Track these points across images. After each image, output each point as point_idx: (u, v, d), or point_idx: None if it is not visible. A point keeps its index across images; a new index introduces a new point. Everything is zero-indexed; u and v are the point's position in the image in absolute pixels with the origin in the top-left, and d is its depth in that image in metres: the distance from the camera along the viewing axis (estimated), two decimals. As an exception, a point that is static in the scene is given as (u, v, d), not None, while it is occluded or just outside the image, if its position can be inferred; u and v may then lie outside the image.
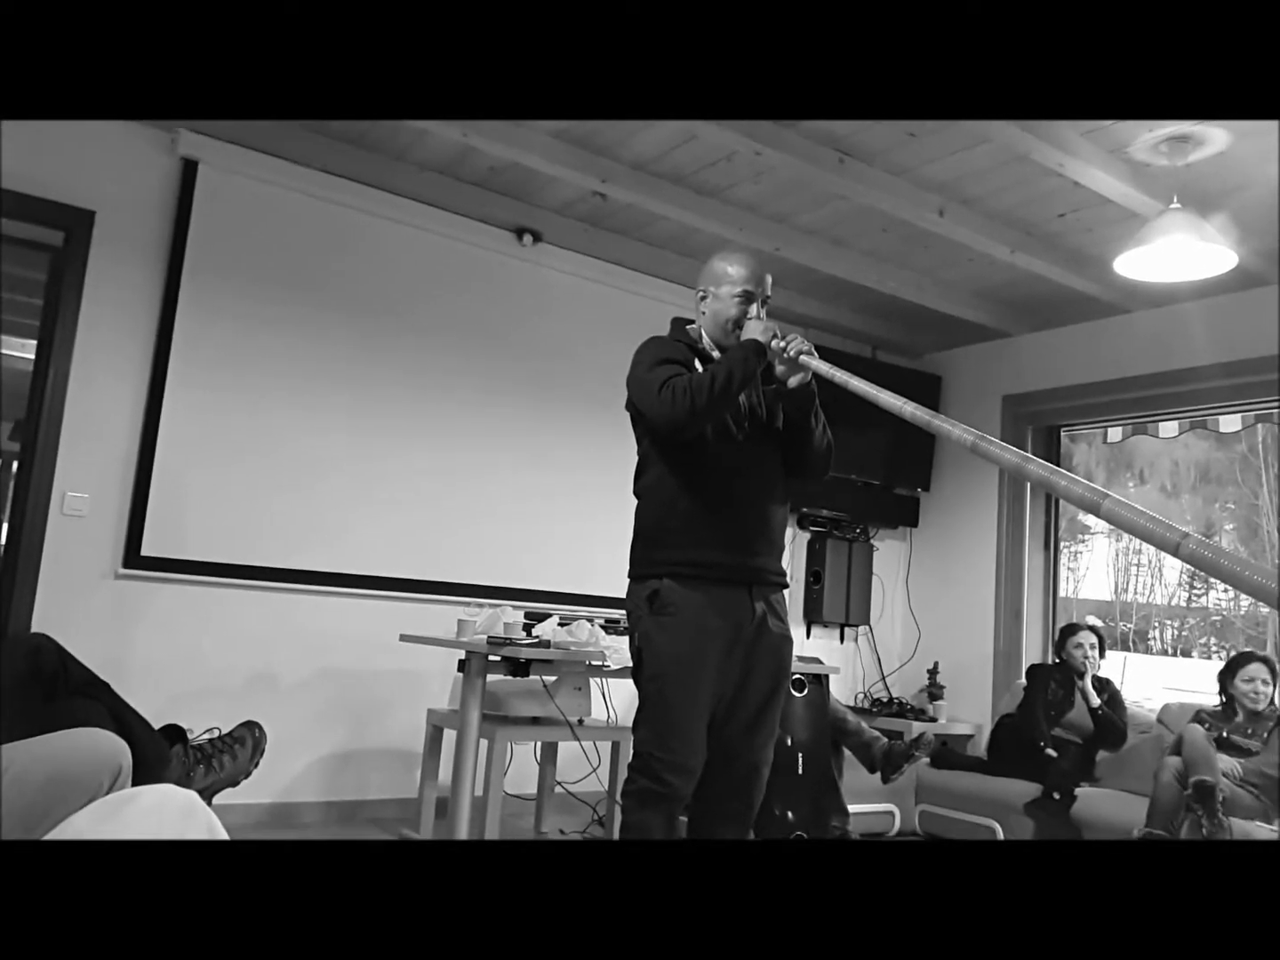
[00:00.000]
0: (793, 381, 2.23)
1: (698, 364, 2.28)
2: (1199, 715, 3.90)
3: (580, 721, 3.58)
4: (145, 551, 3.49)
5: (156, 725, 2.32)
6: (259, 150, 3.69)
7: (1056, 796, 3.83)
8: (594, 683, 3.75)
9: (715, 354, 2.32)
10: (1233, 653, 4.02)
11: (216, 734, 2.51)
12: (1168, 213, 3.28)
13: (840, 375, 2.02)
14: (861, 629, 5.26)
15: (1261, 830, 3.38)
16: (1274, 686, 3.77)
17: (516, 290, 4.30)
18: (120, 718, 2.16)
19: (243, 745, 2.51)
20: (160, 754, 2.23)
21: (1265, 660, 3.80)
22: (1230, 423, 4.64)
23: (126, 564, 3.46)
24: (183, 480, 3.56)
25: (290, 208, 3.80)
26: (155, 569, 3.50)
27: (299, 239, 3.83)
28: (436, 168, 3.88)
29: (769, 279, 2.37)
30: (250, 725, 2.57)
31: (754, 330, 2.22)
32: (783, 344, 2.18)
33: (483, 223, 4.16)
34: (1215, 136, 3.15)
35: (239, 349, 3.69)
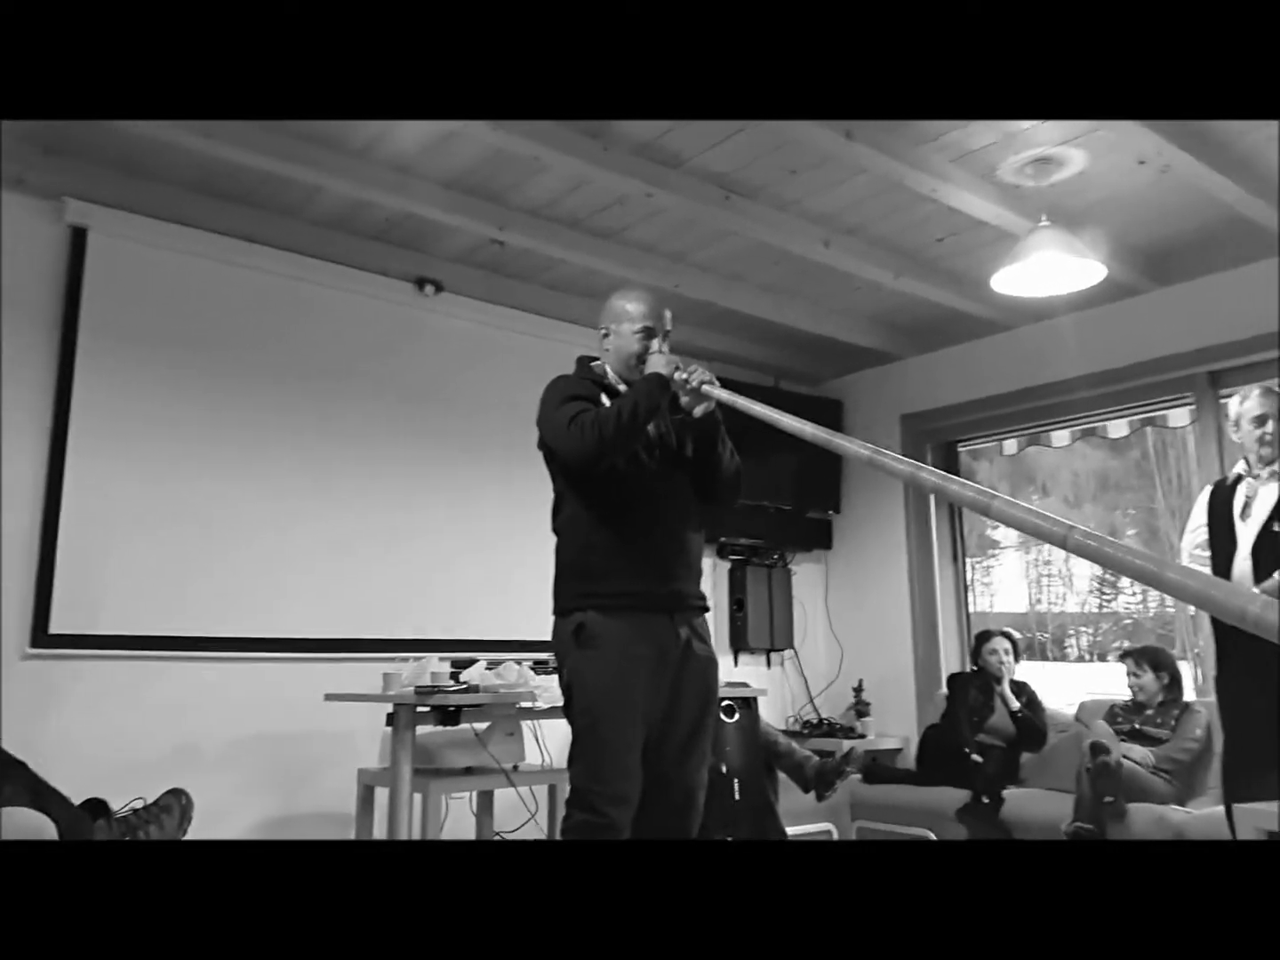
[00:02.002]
0: (698, 411, 2.31)
1: (605, 399, 2.34)
2: (1111, 710, 4.07)
3: (515, 768, 3.57)
4: (54, 629, 3.39)
5: (78, 802, 2.27)
6: (148, 215, 3.66)
7: (985, 800, 3.93)
8: (526, 727, 3.74)
9: (621, 388, 2.39)
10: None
11: (141, 804, 2.46)
12: (1038, 230, 3.48)
13: (742, 402, 2.11)
14: (786, 653, 5.34)
15: (1176, 813, 3.53)
16: (1153, 678, 3.96)
17: (421, 341, 4.32)
18: (38, 796, 2.11)
19: (169, 813, 2.46)
20: (81, 829, 2.18)
21: (1133, 654, 4.03)
22: (1118, 428, 4.87)
23: (34, 643, 3.35)
24: (91, 553, 3.47)
25: (184, 271, 3.78)
26: (66, 646, 3.40)
27: (196, 302, 3.80)
28: (330, 223, 3.90)
29: (669, 314, 2.46)
30: (176, 793, 2.52)
31: (657, 364, 2.30)
32: (685, 375, 2.26)
33: (382, 275, 4.18)
34: (1075, 157, 3.35)
35: (142, 416, 3.63)
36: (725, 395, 2.21)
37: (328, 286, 4.07)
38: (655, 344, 2.39)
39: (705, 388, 2.26)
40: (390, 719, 3.31)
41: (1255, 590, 2.89)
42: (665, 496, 2.35)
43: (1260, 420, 3.01)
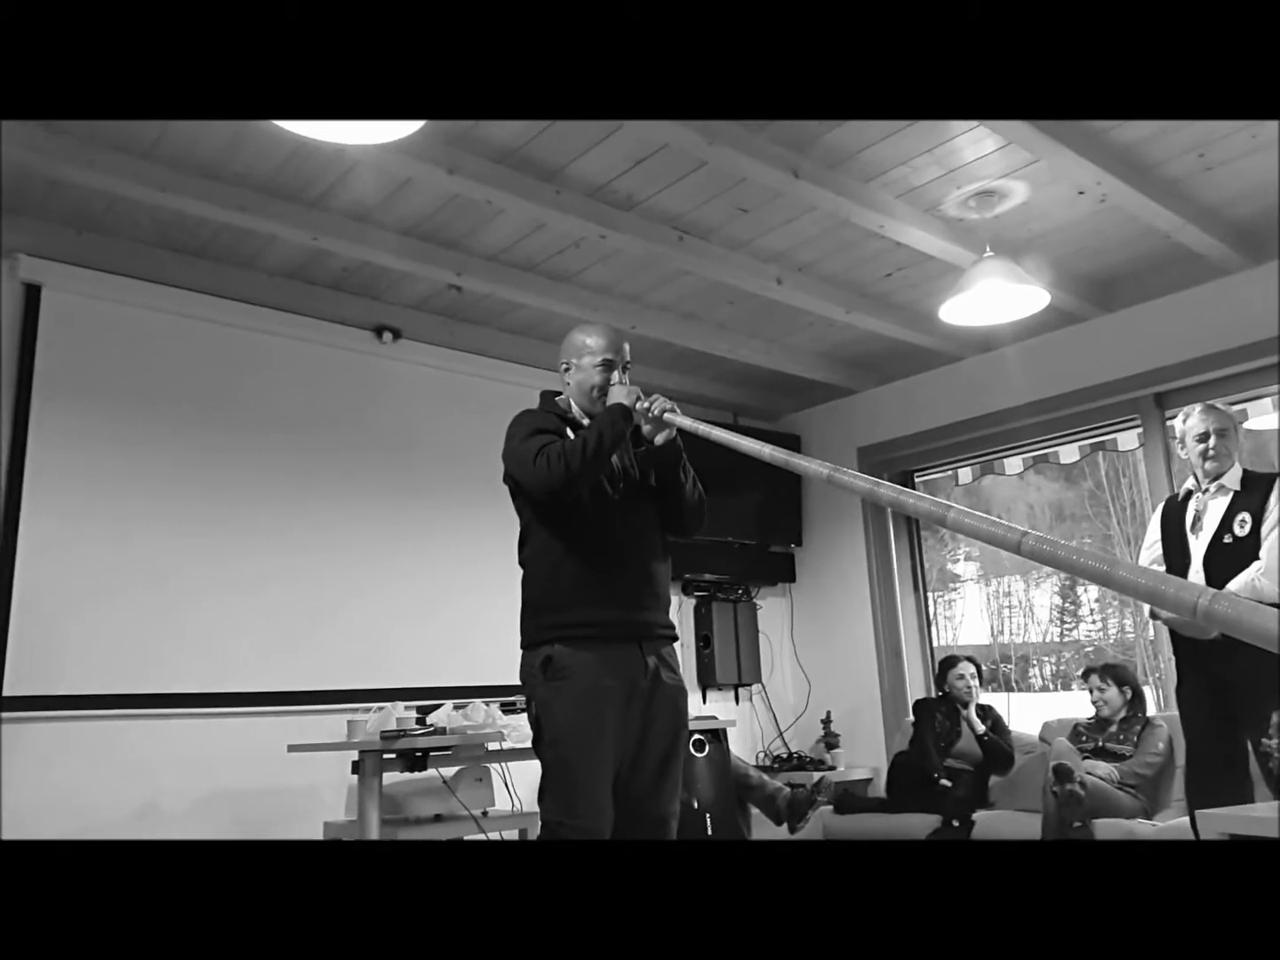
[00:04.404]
0: (660, 439, 2.35)
1: (569, 432, 2.37)
2: (1075, 728, 4.12)
3: (484, 813, 3.53)
4: (8, 691, 3.32)
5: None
6: (102, 270, 3.65)
7: (955, 824, 3.95)
8: (495, 771, 3.71)
9: (585, 421, 2.41)
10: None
11: (102, 865, 2.41)
12: (982, 261, 3.58)
13: (703, 428, 2.15)
14: (755, 687, 5.34)
15: (1143, 827, 3.56)
16: (1117, 692, 4.02)
17: (381, 388, 4.33)
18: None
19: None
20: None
21: (1096, 670, 4.10)
22: (1069, 453, 4.98)
23: (-11, 706, 3.28)
24: (47, 613, 3.41)
25: (141, 325, 3.76)
26: (22, 708, 3.33)
27: (153, 356, 3.79)
28: (287, 272, 3.92)
29: (627, 346, 2.50)
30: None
31: (618, 395, 2.34)
32: (647, 404, 2.30)
33: (340, 324, 4.19)
34: (1016, 189, 3.47)
35: (99, 472, 3.59)
36: (687, 422, 2.26)
37: (286, 336, 4.07)
38: (615, 375, 2.42)
39: (667, 415, 2.30)
40: (356, 767, 3.27)
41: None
42: (631, 527, 2.36)
43: (1202, 437, 3.11)
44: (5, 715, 3.30)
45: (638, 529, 2.38)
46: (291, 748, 3.40)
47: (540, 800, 2.24)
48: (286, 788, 3.74)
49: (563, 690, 2.22)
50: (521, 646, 2.35)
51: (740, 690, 5.30)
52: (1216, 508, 3.07)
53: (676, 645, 2.44)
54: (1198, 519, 3.10)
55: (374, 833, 3.12)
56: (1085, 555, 1.15)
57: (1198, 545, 3.07)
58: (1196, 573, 3.04)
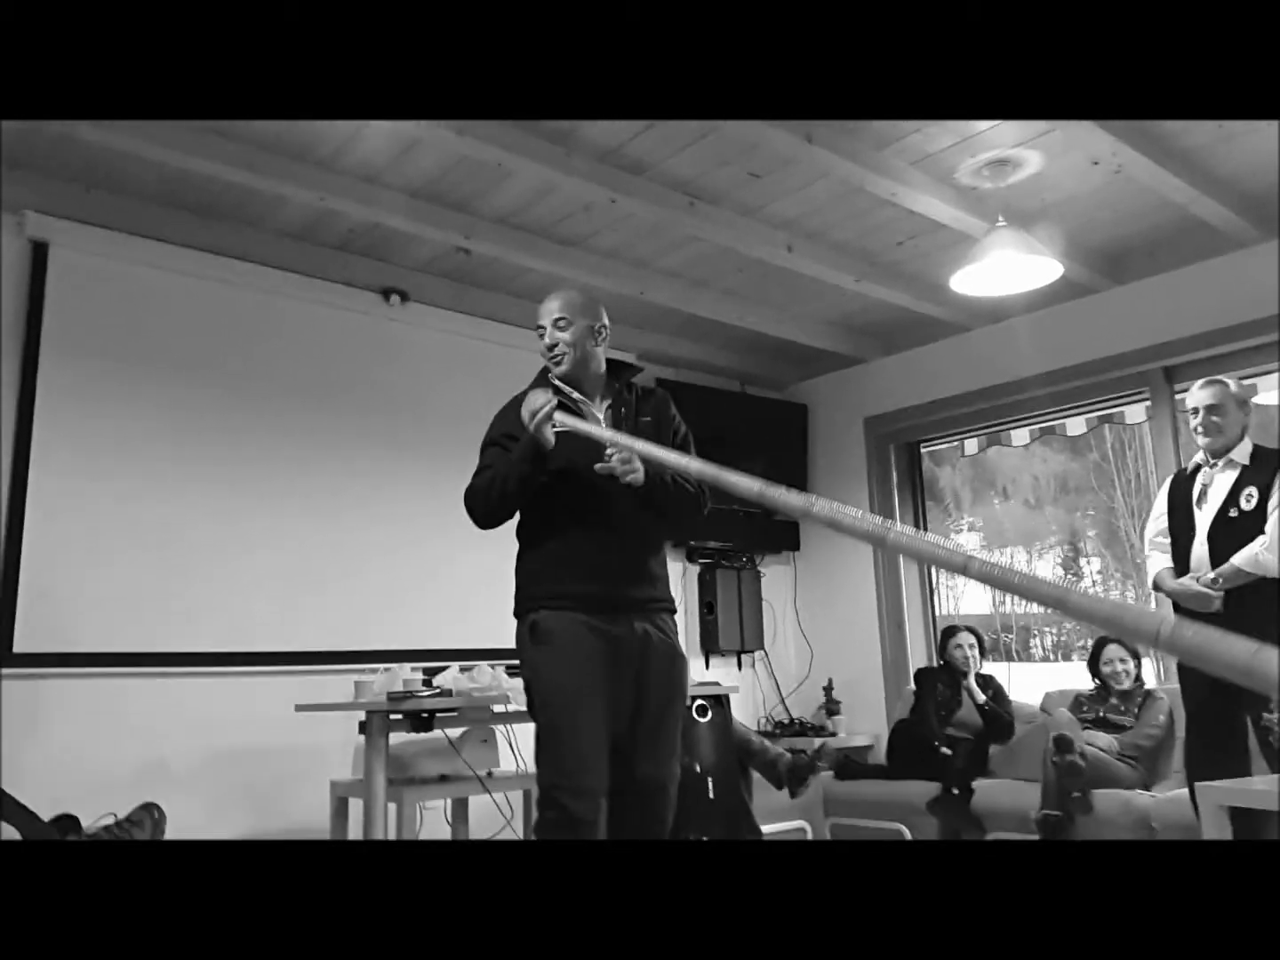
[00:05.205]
0: (626, 481, 2.25)
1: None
2: (1077, 699, 4.15)
3: (489, 774, 3.56)
4: (18, 649, 3.35)
5: (47, 819, 2.25)
6: (110, 228, 3.63)
7: (955, 792, 3.98)
8: (500, 733, 3.74)
9: (565, 388, 2.39)
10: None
11: (112, 819, 2.44)
12: (995, 230, 3.55)
13: (656, 453, 2.10)
14: (757, 654, 5.38)
15: (1141, 798, 3.59)
16: (1134, 665, 4.05)
17: (388, 351, 4.32)
18: (5, 811, 2.09)
19: (140, 828, 2.45)
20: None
21: (1119, 642, 4.09)
22: (1076, 425, 4.96)
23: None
24: (56, 571, 3.43)
25: (148, 284, 3.75)
26: (31, 665, 3.36)
27: (160, 316, 3.78)
28: (294, 233, 3.90)
29: (555, 303, 2.44)
30: (148, 807, 2.51)
31: (530, 402, 2.23)
32: (609, 467, 2.22)
33: (348, 285, 4.18)
34: (1031, 158, 3.43)
35: (107, 431, 3.60)
36: (639, 474, 2.21)
37: (292, 298, 4.06)
38: (541, 393, 2.29)
39: (629, 478, 2.22)
40: (363, 728, 3.30)
41: (1209, 575, 2.98)
42: (608, 505, 2.32)
43: (1195, 411, 3.13)
44: (15, 672, 3.33)
45: (615, 507, 2.33)
46: (299, 707, 3.43)
47: (536, 768, 2.27)
48: (293, 747, 3.77)
49: (547, 653, 2.27)
50: (514, 615, 2.40)
51: (743, 656, 5.33)
52: (1224, 481, 3.07)
53: (679, 616, 2.46)
54: (1204, 493, 3.10)
55: (380, 793, 3.15)
56: (1038, 582, 1.11)
57: (1203, 518, 3.07)
58: (1201, 545, 3.05)
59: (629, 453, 2.21)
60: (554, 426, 2.21)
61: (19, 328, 3.50)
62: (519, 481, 2.28)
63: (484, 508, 2.35)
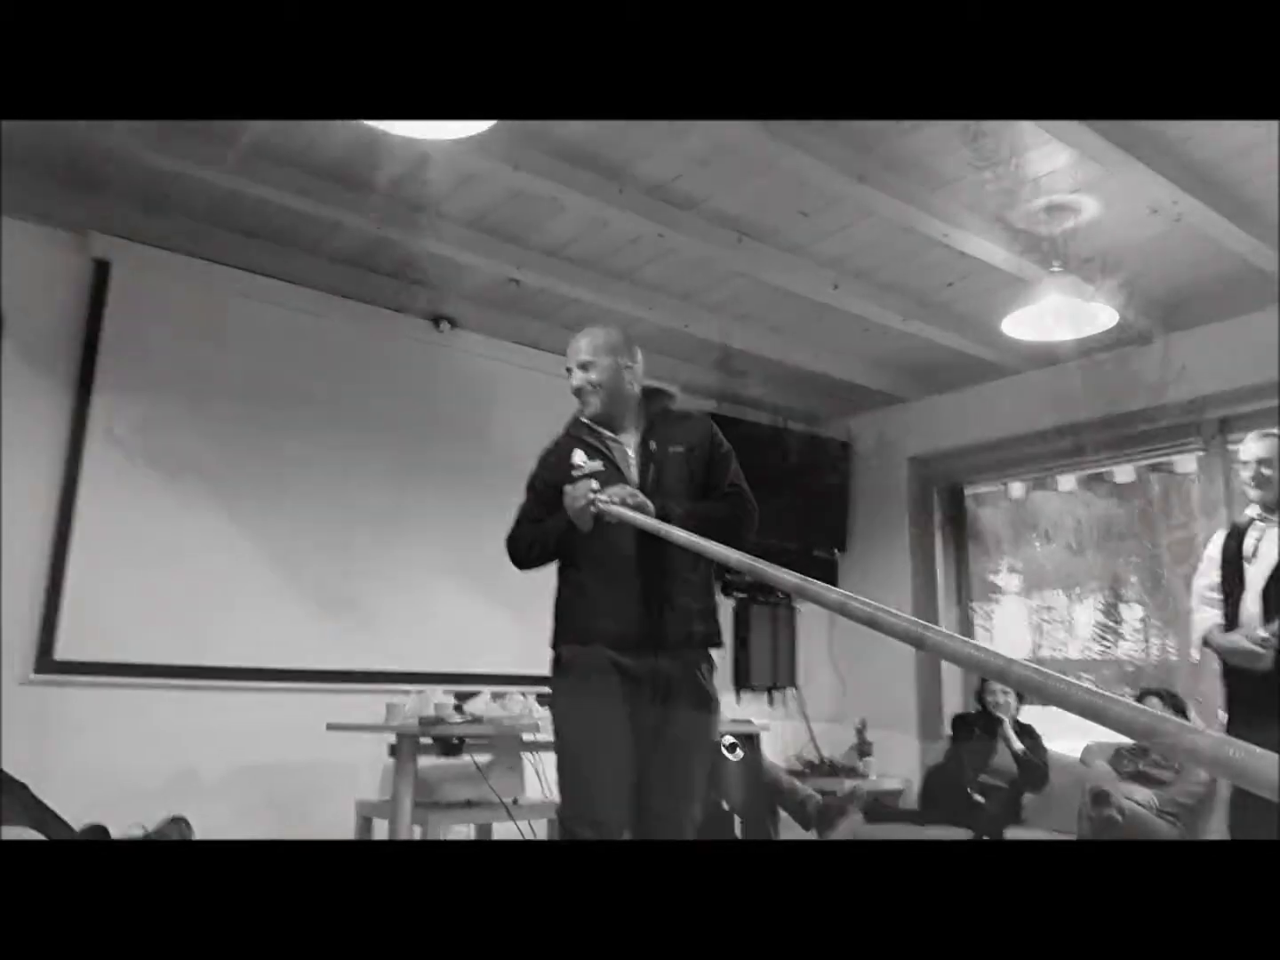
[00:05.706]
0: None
1: (580, 455, 2.36)
2: (1118, 752, 4.06)
3: (515, 801, 3.56)
4: (59, 656, 3.40)
5: (78, 827, 2.27)
6: (171, 250, 3.71)
7: (987, 840, 3.90)
8: (527, 760, 3.73)
9: (596, 427, 2.41)
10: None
11: (141, 832, 2.45)
12: (1050, 276, 3.52)
13: (651, 525, 2.11)
14: (789, 691, 5.32)
15: (1182, 858, 3.49)
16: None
17: (436, 377, 4.35)
18: (38, 818, 2.11)
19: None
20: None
21: (1158, 693, 4.00)
22: (1125, 473, 4.89)
23: (38, 669, 3.36)
24: (99, 582, 3.49)
25: (204, 305, 3.82)
26: (71, 672, 3.41)
27: (214, 336, 3.84)
28: (348, 259, 3.95)
29: (583, 342, 2.43)
30: (176, 821, 2.52)
31: (570, 497, 2.27)
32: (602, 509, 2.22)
33: (398, 312, 4.23)
34: (1087, 204, 3.39)
35: (155, 449, 3.66)
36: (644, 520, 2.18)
37: (344, 322, 4.12)
38: (579, 458, 2.37)
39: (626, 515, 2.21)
40: (393, 750, 3.30)
41: (1261, 633, 2.90)
42: (639, 542, 2.29)
43: (1247, 464, 3.07)
44: (53, 679, 3.38)
45: (655, 545, 2.25)
46: (331, 726, 3.44)
47: (559, 798, 2.27)
48: (321, 764, 3.78)
49: (566, 687, 2.30)
50: (549, 647, 2.41)
51: (774, 693, 5.28)
52: (1276, 537, 3.00)
53: (715, 651, 2.43)
54: (1256, 548, 3.03)
55: (406, 815, 3.15)
56: (1079, 689, 1.05)
57: (1254, 574, 3.00)
58: (1253, 602, 2.97)
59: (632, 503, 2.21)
60: (594, 510, 2.22)
61: (78, 343, 3.58)
62: (557, 544, 2.35)
63: (524, 560, 2.44)
